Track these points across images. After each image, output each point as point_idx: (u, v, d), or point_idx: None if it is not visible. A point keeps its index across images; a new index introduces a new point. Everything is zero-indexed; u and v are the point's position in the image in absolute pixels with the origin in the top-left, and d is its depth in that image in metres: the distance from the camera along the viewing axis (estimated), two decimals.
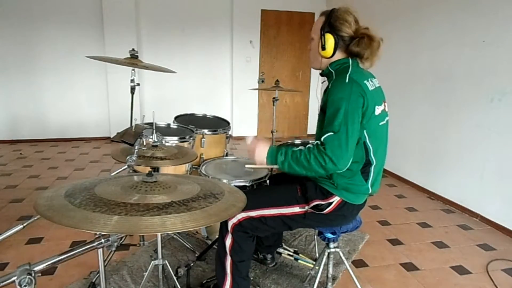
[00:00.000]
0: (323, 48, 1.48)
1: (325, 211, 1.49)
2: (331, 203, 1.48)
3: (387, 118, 1.55)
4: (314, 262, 2.18)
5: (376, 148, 1.46)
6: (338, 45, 1.48)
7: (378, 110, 1.44)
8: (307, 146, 1.40)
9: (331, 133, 1.34)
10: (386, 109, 1.55)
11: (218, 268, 1.64)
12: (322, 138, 1.35)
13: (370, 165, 1.47)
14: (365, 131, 1.41)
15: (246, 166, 1.63)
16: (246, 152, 1.53)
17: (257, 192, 1.75)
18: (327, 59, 1.53)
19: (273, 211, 1.54)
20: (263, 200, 1.57)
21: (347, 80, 1.39)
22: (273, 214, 1.54)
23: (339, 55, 1.51)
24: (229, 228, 1.56)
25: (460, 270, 2.29)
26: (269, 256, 2.19)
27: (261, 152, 1.48)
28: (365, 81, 1.43)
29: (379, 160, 1.50)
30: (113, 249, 0.90)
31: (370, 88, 1.43)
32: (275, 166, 1.47)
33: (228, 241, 1.57)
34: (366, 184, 1.49)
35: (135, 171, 1.87)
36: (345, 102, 1.34)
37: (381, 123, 1.48)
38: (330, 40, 1.46)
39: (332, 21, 1.46)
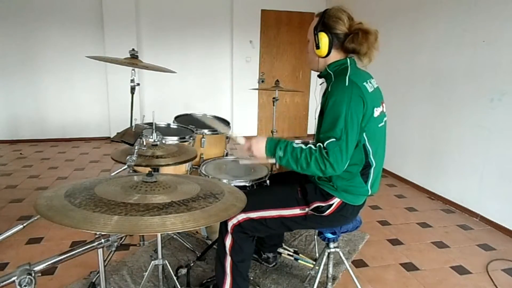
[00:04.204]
0: (317, 47, 1.47)
1: (325, 213, 1.49)
2: (331, 205, 1.48)
3: (385, 119, 1.54)
4: (314, 262, 2.18)
5: (376, 149, 1.46)
6: (333, 43, 1.46)
7: (376, 112, 1.43)
8: (308, 146, 1.38)
9: (333, 140, 1.32)
10: (384, 110, 1.54)
11: (217, 268, 1.64)
12: (325, 144, 1.33)
13: (369, 167, 1.47)
14: (364, 134, 1.40)
15: (241, 162, 1.61)
16: (246, 152, 1.53)
17: (257, 193, 1.74)
18: (324, 59, 1.51)
19: (273, 212, 1.53)
20: (263, 202, 1.56)
21: (347, 83, 1.37)
22: (273, 215, 1.53)
23: (336, 55, 1.49)
24: (229, 229, 1.56)
25: (460, 270, 2.29)
26: (271, 255, 2.19)
27: (260, 147, 1.46)
28: (364, 83, 1.41)
29: (379, 161, 1.50)
30: (113, 249, 0.90)
31: (369, 90, 1.42)
32: (273, 160, 1.46)
33: (228, 241, 1.57)
34: (366, 186, 1.49)
35: (135, 171, 1.87)
36: (345, 106, 1.33)
37: (380, 125, 1.47)
38: (323, 38, 1.45)
39: (325, 20, 1.45)
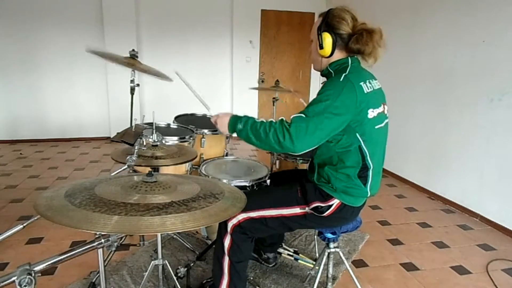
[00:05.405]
0: (321, 47, 1.46)
1: (325, 214, 1.49)
2: (330, 206, 1.47)
3: (386, 121, 1.51)
4: (314, 262, 2.18)
5: (373, 152, 1.44)
6: (337, 43, 1.45)
7: (372, 113, 1.40)
8: (270, 120, 1.39)
9: (302, 115, 1.32)
10: (386, 112, 1.51)
11: (215, 268, 1.64)
12: (291, 117, 1.33)
13: (367, 170, 1.45)
14: (358, 135, 1.39)
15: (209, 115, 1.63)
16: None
17: (257, 193, 1.74)
18: (327, 59, 1.50)
19: (273, 212, 1.53)
20: (263, 201, 1.56)
21: (341, 79, 1.37)
22: (273, 215, 1.53)
23: (339, 55, 1.49)
24: (229, 229, 1.55)
25: (460, 270, 2.29)
26: (271, 255, 2.19)
27: (223, 121, 1.49)
28: (362, 83, 1.39)
29: (377, 163, 1.48)
30: (113, 249, 0.90)
31: (366, 90, 1.39)
32: (234, 135, 1.48)
33: (227, 241, 1.56)
34: (365, 188, 1.48)
35: (135, 171, 1.87)
36: (331, 98, 1.32)
37: (377, 127, 1.45)
38: (327, 38, 1.44)
39: (329, 20, 1.45)
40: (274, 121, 1.37)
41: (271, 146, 1.35)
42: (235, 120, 1.46)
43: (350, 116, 1.35)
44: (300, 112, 1.33)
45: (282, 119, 1.35)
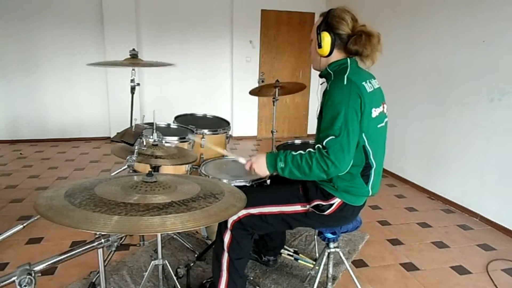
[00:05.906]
0: (319, 46, 1.47)
1: (326, 213, 1.49)
2: (332, 205, 1.48)
3: (386, 120, 1.53)
4: (314, 262, 2.18)
5: (376, 151, 1.45)
6: (336, 43, 1.46)
7: (375, 112, 1.42)
8: (308, 150, 1.38)
9: (332, 137, 1.32)
10: (385, 111, 1.53)
11: (214, 265, 1.64)
12: (324, 142, 1.33)
13: (370, 168, 1.46)
14: (363, 134, 1.40)
15: (239, 160, 1.62)
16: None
17: (259, 190, 1.75)
18: (326, 59, 1.51)
19: (274, 208, 1.53)
20: (264, 198, 1.57)
21: (345, 82, 1.37)
22: (274, 212, 1.54)
23: (338, 55, 1.49)
24: (229, 225, 1.56)
25: (460, 270, 2.29)
26: (272, 259, 2.18)
27: (260, 164, 1.46)
28: (363, 83, 1.41)
29: (379, 162, 1.49)
30: (113, 249, 0.90)
31: (368, 89, 1.41)
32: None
33: (227, 238, 1.57)
34: (366, 187, 1.49)
35: (135, 171, 1.87)
36: (344, 105, 1.33)
37: (379, 126, 1.47)
38: (326, 38, 1.45)
39: (329, 20, 1.45)
40: (312, 150, 1.36)
41: (318, 176, 1.36)
42: (273, 159, 1.43)
43: (360, 114, 1.37)
44: (329, 134, 1.33)
45: (319, 147, 1.35)
